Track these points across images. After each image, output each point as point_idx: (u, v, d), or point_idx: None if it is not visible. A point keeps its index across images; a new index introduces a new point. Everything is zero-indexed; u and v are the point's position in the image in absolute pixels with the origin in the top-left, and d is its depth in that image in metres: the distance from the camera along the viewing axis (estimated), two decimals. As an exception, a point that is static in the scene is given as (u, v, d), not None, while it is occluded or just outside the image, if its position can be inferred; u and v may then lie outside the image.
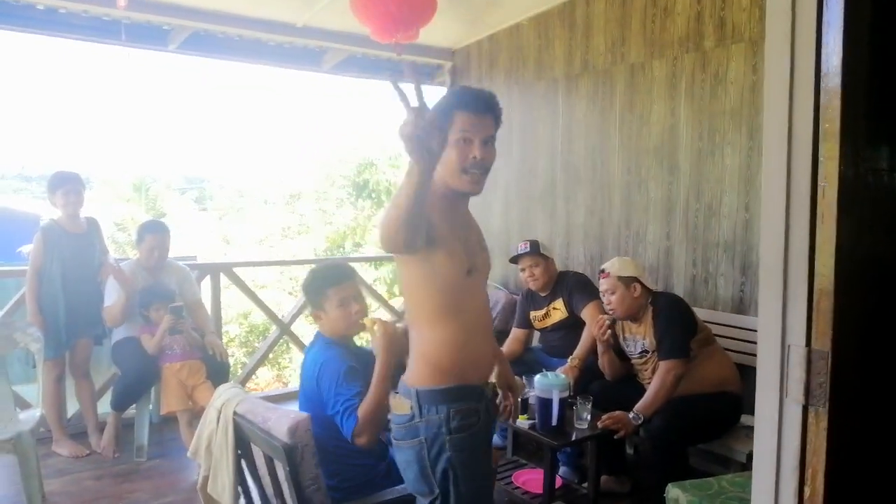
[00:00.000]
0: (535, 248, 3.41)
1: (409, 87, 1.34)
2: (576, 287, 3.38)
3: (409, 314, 1.73)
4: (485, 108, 1.62)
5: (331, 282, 2.24)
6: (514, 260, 3.55)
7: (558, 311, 3.44)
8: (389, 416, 1.76)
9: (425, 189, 1.38)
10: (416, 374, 1.66)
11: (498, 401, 2.00)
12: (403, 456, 1.69)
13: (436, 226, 1.57)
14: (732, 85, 3.31)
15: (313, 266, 2.30)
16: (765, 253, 0.91)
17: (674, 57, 3.56)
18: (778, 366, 0.89)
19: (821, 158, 0.84)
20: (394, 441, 1.73)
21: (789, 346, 0.88)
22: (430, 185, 1.42)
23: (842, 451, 0.86)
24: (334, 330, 2.24)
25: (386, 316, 5.72)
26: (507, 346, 3.57)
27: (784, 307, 0.89)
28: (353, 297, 2.25)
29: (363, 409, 2.00)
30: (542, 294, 3.50)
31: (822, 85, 0.83)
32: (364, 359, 2.22)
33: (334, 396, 2.05)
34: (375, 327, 2.10)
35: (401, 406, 1.67)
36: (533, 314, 3.58)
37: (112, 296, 3.46)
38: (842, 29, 0.78)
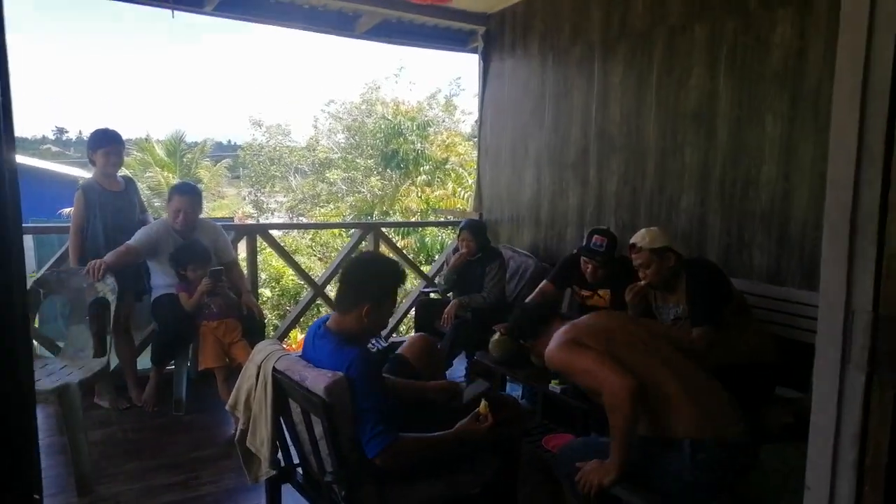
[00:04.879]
0: (609, 252, 3.27)
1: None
2: (626, 278, 3.12)
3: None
4: None
5: (399, 280, 2.13)
6: (586, 253, 3.31)
7: (601, 300, 3.41)
8: None
9: None
10: None
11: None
12: None
13: None
14: (777, 49, 3.18)
15: (371, 258, 2.23)
16: (830, 212, 0.87)
17: (716, 19, 3.44)
18: (840, 332, 0.87)
19: (899, 112, 0.79)
20: None
21: (854, 311, 0.85)
22: None
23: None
24: (367, 326, 2.06)
25: (415, 283, 5.75)
26: (531, 297, 3.53)
27: (850, 270, 0.85)
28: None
29: (407, 445, 1.90)
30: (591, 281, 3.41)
31: (906, 34, 0.78)
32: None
33: (367, 406, 1.90)
34: (482, 408, 2.07)
35: None
36: (576, 287, 3.55)
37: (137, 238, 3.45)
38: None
